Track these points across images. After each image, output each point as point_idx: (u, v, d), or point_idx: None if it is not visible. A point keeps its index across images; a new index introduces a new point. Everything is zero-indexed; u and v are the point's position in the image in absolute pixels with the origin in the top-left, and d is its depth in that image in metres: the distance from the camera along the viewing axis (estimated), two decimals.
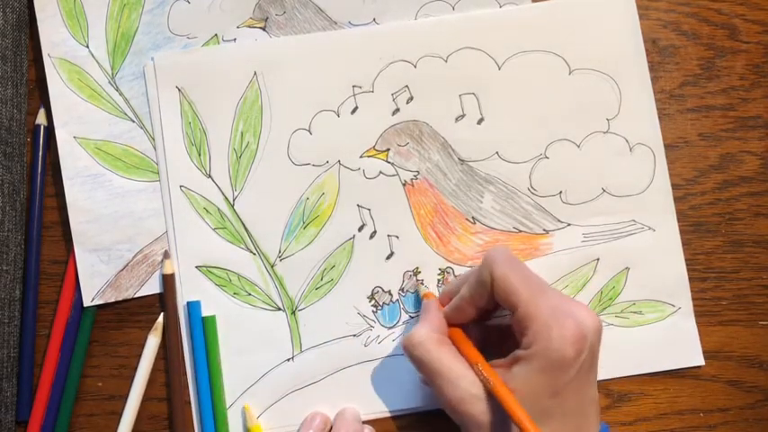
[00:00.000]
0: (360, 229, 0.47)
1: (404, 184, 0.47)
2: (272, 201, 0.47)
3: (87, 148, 0.47)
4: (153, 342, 0.45)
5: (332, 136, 0.47)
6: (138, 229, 0.46)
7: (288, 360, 0.46)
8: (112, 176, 0.47)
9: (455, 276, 0.46)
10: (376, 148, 0.47)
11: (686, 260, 0.47)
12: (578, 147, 0.47)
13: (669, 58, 0.48)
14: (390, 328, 0.46)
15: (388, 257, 0.46)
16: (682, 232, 0.47)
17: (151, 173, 0.47)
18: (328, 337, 0.46)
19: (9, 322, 0.45)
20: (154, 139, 0.47)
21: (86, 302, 0.46)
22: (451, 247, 0.47)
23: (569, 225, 0.47)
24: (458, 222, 0.47)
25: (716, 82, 0.48)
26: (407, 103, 0.47)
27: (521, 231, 0.47)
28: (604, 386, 0.46)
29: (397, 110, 0.47)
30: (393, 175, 0.47)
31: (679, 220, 0.47)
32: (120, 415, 0.45)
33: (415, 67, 0.47)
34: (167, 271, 0.46)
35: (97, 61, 0.47)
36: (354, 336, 0.46)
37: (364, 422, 0.45)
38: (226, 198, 0.47)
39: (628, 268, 0.47)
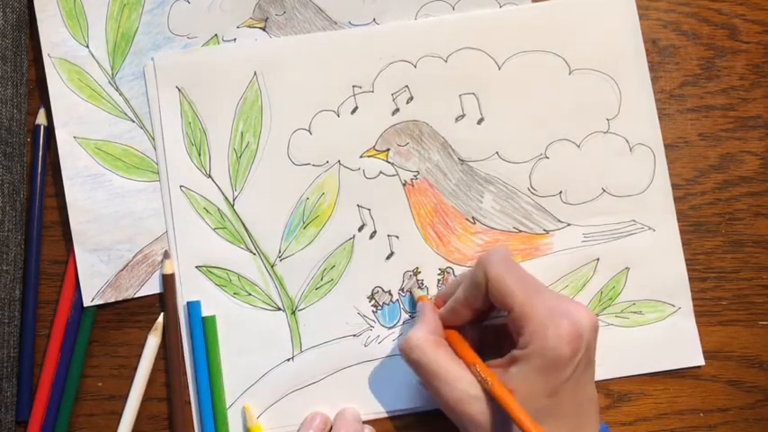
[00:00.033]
0: (360, 229, 0.47)
1: (404, 184, 0.47)
2: (272, 201, 0.47)
3: (87, 148, 0.47)
4: (153, 342, 0.45)
5: (332, 136, 0.47)
6: (138, 229, 0.46)
7: (288, 360, 0.46)
8: (112, 176, 0.47)
9: (455, 276, 0.46)
10: (376, 148, 0.47)
11: (686, 260, 0.47)
12: (578, 147, 0.47)
13: (669, 58, 0.48)
14: (390, 328, 0.46)
15: (388, 257, 0.46)
16: (682, 232, 0.47)
17: (151, 173, 0.47)
18: (328, 337, 0.46)
19: (9, 322, 0.45)
20: (154, 139, 0.47)
21: (86, 302, 0.46)
22: (451, 247, 0.47)
23: (569, 225, 0.47)
24: (458, 222, 0.47)
25: (716, 82, 0.48)
26: (407, 103, 0.47)
27: (521, 231, 0.47)
28: (604, 386, 0.46)
29: (397, 110, 0.47)
30: (393, 175, 0.47)
31: (679, 220, 0.47)
32: (120, 415, 0.45)
33: (415, 67, 0.47)
34: (167, 271, 0.46)
35: (97, 61, 0.47)
36: (354, 336, 0.46)
37: (364, 422, 0.45)
38: (226, 198, 0.47)
39: (628, 268, 0.47)
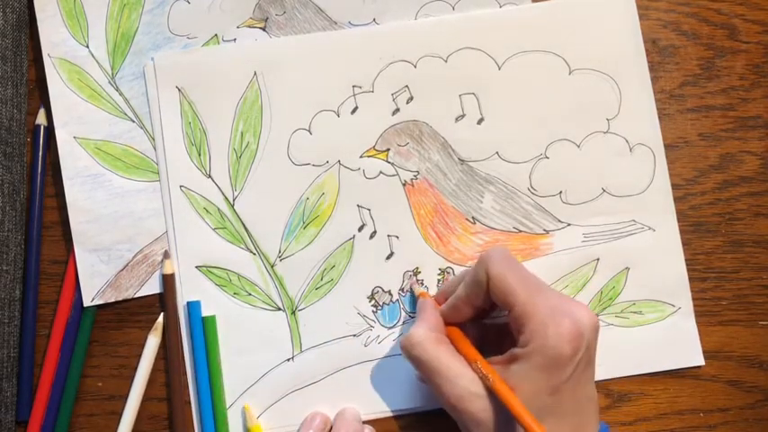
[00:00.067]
0: (360, 229, 0.47)
1: (404, 184, 0.47)
2: (272, 201, 0.47)
3: (87, 148, 0.47)
4: (153, 342, 0.45)
5: (332, 136, 0.47)
6: (138, 229, 0.46)
7: (288, 360, 0.46)
8: (112, 176, 0.47)
9: (452, 276, 0.46)
10: (376, 148, 0.47)
11: (686, 260, 0.47)
12: (578, 147, 0.47)
13: (669, 58, 0.48)
14: (390, 328, 0.46)
15: (388, 257, 0.46)
16: (682, 232, 0.47)
17: (151, 173, 0.47)
18: (328, 337, 0.46)
19: (9, 322, 0.45)
20: (154, 139, 0.47)
21: (86, 302, 0.46)
22: (451, 247, 0.47)
23: (569, 225, 0.47)
24: (458, 222, 0.47)
25: (716, 82, 0.48)
26: (407, 103, 0.47)
27: (521, 231, 0.47)
28: (604, 386, 0.46)
29: (397, 110, 0.47)
30: (393, 175, 0.47)
31: (679, 220, 0.47)
32: (120, 415, 0.45)
33: (415, 67, 0.47)
34: (167, 271, 0.46)
35: (97, 61, 0.47)
36: (354, 336, 0.46)
37: (364, 422, 0.45)
38: (226, 198, 0.47)
39: (628, 268, 0.47)
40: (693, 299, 0.47)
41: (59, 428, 0.45)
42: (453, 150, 0.47)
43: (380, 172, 0.47)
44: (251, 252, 0.46)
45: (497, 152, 0.47)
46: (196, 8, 0.48)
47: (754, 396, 0.47)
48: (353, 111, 0.47)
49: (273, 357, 0.46)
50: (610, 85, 0.47)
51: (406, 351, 0.41)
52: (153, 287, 0.46)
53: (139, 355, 0.45)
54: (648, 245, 0.47)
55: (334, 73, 0.47)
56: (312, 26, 0.48)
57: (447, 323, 0.42)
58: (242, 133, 0.47)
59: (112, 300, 0.46)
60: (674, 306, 0.47)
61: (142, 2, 0.48)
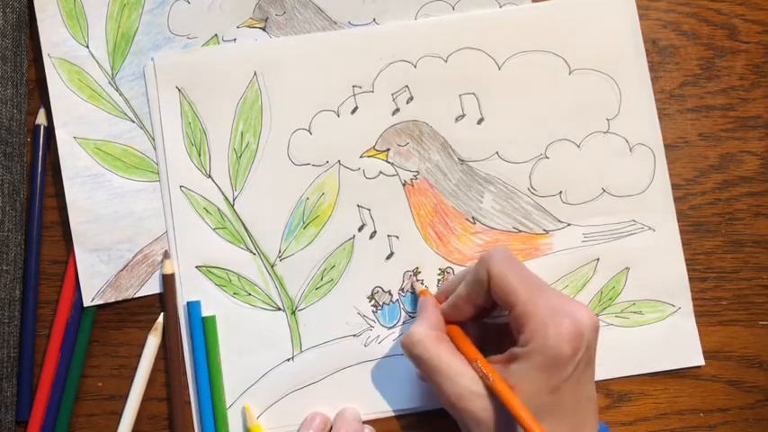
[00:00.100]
0: (360, 229, 0.47)
1: (404, 184, 0.47)
2: (272, 201, 0.47)
3: (87, 148, 0.47)
4: (153, 342, 0.45)
5: (332, 136, 0.47)
6: (138, 229, 0.46)
7: (288, 360, 0.46)
8: (112, 176, 0.47)
9: (453, 275, 0.46)
10: (376, 148, 0.47)
11: (686, 260, 0.47)
12: (578, 147, 0.47)
13: (669, 58, 0.48)
14: (390, 328, 0.46)
15: (388, 257, 0.46)
16: (682, 232, 0.47)
17: (151, 173, 0.47)
18: (328, 337, 0.46)
19: (9, 322, 0.45)
20: (154, 139, 0.47)
21: (86, 302, 0.46)
22: (451, 247, 0.47)
23: (569, 225, 0.47)
24: (458, 222, 0.47)
25: (716, 82, 0.48)
26: (407, 103, 0.47)
27: (521, 231, 0.47)
28: (604, 386, 0.46)
29: (397, 110, 0.47)
30: (393, 175, 0.47)
31: (679, 220, 0.47)
32: (120, 415, 0.45)
33: (415, 67, 0.47)
34: (167, 271, 0.46)
35: (97, 61, 0.47)
36: (354, 336, 0.46)
37: (364, 422, 0.45)
38: (226, 198, 0.47)
39: (628, 268, 0.47)
40: (693, 299, 0.47)
41: (59, 428, 0.45)
42: (453, 150, 0.47)
43: (380, 172, 0.47)
44: (251, 252, 0.46)
45: (497, 152, 0.47)
46: (196, 8, 0.48)
47: (754, 396, 0.47)
48: (353, 111, 0.47)
49: (273, 357, 0.46)
50: (610, 85, 0.47)
51: (407, 349, 0.41)
52: (153, 287, 0.46)
53: (139, 355, 0.45)
54: (648, 245, 0.47)
55: (334, 73, 0.47)
56: (312, 26, 0.48)
57: (448, 322, 0.42)
58: (242, 133, 0.47)
59: (112, 300, 0.46)
60: (674, 306, 0.47)
61: (142, 2, 0.48)
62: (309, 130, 0.47)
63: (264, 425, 0.45)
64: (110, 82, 0.47)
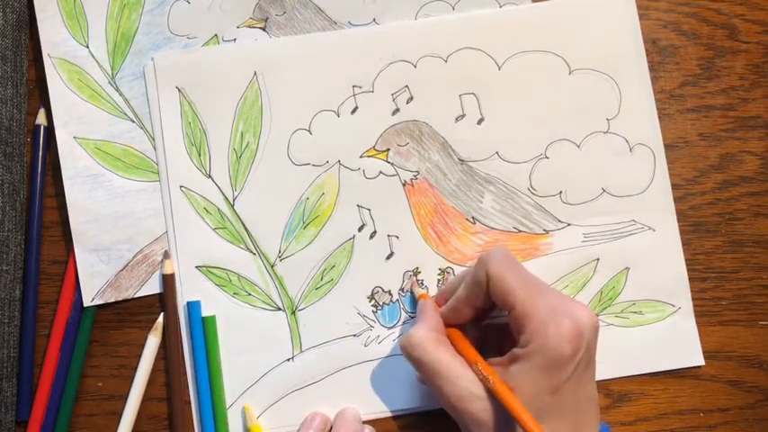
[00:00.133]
0: (360, 229, 0.47)
1: (404, 184, 0.47)
2: (272, 201, 0.47)
3: (87, 148, 0.47)
4: (153, 342, 0.45)
5: (332, 136, 0.47)
6: (138, 229, 0.46)
7: (288, 360, 0.46)
8: (112, 176, 0.47)
9: (452, 278, 0.46)
10: (376, 148, 0.47)
11: (686, 260, 0.47)
12: (578, 147, 0.47)
13: (669, 58, 0.48)
14: (390, 328, 0.46)
15: (388, 257, 0.46)
16: (682, 232, 0.47)
17: (151, 173, 0.47)
18: (328, 337, 0.46)
19: (9, 322, 0.45)
20: (154, 139, 0.47)
21: (86, 302, 0.46)
22: (451, 247, 0.47)
23: (569, 225, 0.47)
24: (458, 222, 0.47)
25: (716, 82, 0.48)
26: (407, 103, 0.47)
27: (521, 231, 0.47)
28: (604, 386, 0.46)
29: (397, 110, 0.47)
30: (393, 175, 0.47)
31: (679, 220, 0.47)
32: (120, 415, 0.45)
33: (415, 67, 0.47)
34: (167, 271, 0.46)
35: (97, 61, 0.47)
36: (354, 336, 0.46)
37: (364, 422, 0.45)
38: (226, 198, 0.47)
39: (628, 268, 0.47)
40: (693, 299, 0.47)
41: (59, 428, 0.45)
42: (453, 150, 0.47)
43: (380, 172, 0.47)
44: (251, 252, 0.46)
45: (497, 152, 0.47)
46: (196, 8, 0.48)
47: (754, 396, 0.47)
48: (353, 111, 0.47)
49: (273, 357, 0.46)
50: (610, 85, 0.47)
51: (407, 352, 0.40)
52: (153, 287, 0.46)
53: (139, 355, 0.45)
54: (648, 245, 0.47)
55: (334, 73, 0.47)
56: (312, 26, 0.48)
57: (447, 324, 0.42)
58: (242, 133, 0.47)
59: (112, 300, 0.46)
60: (674, 306, 0.47)
61: (142, 2, 0.48)
62: (309, 130, 0.47)
63: (264, 425, 0.45)
64: (110, 82, 0.47)
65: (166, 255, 0.46)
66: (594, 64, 0.47)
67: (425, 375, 0.40)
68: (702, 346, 0.46)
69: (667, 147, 0.47)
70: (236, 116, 0.47)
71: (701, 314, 0.47)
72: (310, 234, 0.46)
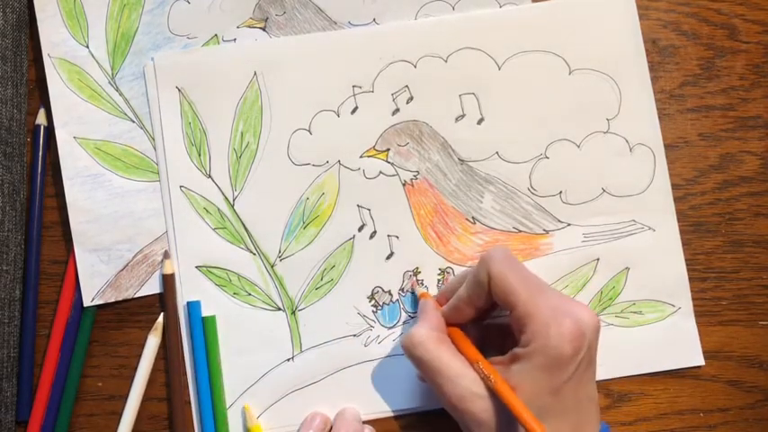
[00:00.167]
0: (360, 229, 0.47)
1: (404, 184, 0.47)
2: (272, 201, 0.47)
3: (87, 148, 0.47)
4: (153, 342, 0.45)
5: (332, 136, 0.47)
6: (138, 229, 0.46)
7: (288, 360, 0.46)
8: (112, 176, 0.47)
9: (453, 277, 0.46)
10: (376, 148, 0.47)
11: (686, 260, 0.47)
12: (578, 147, 0.47)
13: (669, 58, 0.48)
14: (390, 328, 0.46)
15: (388, 257, 0.46)
16: (682, 232, 0.47)
17: (151, 173, 0.47)
18: (328, 337, 0.46)
19: (9, 322, 0.45)
20: (154, 139, 0.47)
21: (86, 302, 0.46)
22: (451, 247, 0.47)
23: (569, 225, 0.47)
24: (458, 222, 0.47)
25: (716, 82, 0.48)
26: (407, 103, 0.47)
27: (521, 231, 0.47)
28: (604, 386, 0.46)
29: (397, 110, 0.47)
30: (393, 175, 0.47)
31: (679, 220, 0.47)
32: (120, 415, 0.45)
33: (415, 67, 0.47)
34: (167, 271, 0.46)
35: (97, 61, 0.47)
36: (354, 336, 0.46)
37: (364, 422, 0.45)
38: (226, 198, 0.47)
39: (628, 268, 0.47)
40: (693, 299, 0.47)
41: (59, 428, 0.45)
42: (453, 150, 0.47)
43: (380, 172, 0.47)
44: (251, 252, 0.46)
45: (497, 152, 0.47)
46: (196, 8, 0.48)
47: (754, 396, 0.47)
48: (353, 111, 0.47)
49: (273, 357, 0.46)
50: (610, 85, 0.47)
51: (408, 351, 0.41)
52: (153, 287, 0.46)
53: (139, 355, 0.45)
54: (648, 245, 0.47)
55: (334, 73, 0.47)
56: (312, 26, 0.48)
57: (449, 324, 0.42)
58: (242, 133, 0.47)
59: (112, 300, 0.46)
60: (674, 306, 0.47)
61: (142, 2, 0.48)
62: (309, 130, 0.47)
63: (264, 425, 0.45)
64: (110, 82, 0.47)
65: (166, 255, 0.46)
66: (594, 64, 0.47)
67: (426, 374, 0.40)
68: (702, 346, 0.46)
69: (667, 147, 0.47)
70: (236, 116, 0.47)
71: (700, 314, 0.47)
72: (310, 234, 0.46)
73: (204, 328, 0.45)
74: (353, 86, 0.47)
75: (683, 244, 0.47)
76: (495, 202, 0.47)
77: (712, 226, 0.47)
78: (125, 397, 0.45)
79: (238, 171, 0.47)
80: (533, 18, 0.47)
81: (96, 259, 0.46)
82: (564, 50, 0.47)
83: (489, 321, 0.44)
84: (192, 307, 0.46)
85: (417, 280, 0.46)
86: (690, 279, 0.47)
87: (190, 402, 0.46)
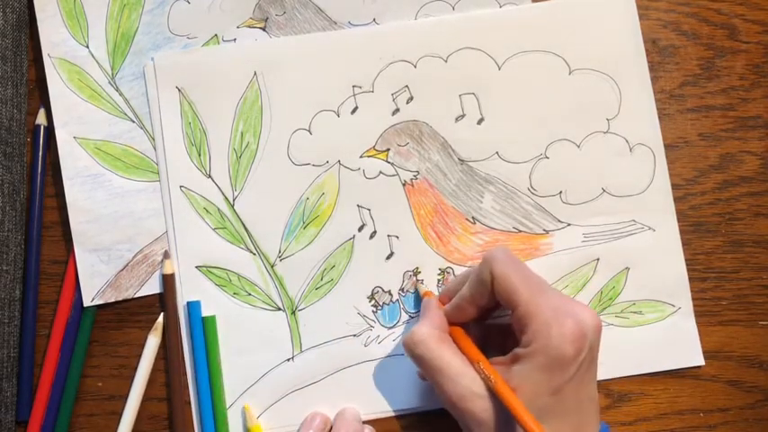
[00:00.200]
0: (360, 229, 0.47)
1: (404, 184, 0.47)
2: (272, 201, 0.47)
3: (87, 148, 0.47)
4: (153, 342, 0.45)
5: (332, 136, 0.47)
6: (138, 229, 0.46)
7: (288, 360, 0.46)
8: (112, 176, 0.47)
9: (455, 276, 0.46)
10: (376, 148, 0.47)
11: (686, 260, 0.47)
12: (578, 147, 0.47)
13: (669, 58, 0.48)
14: (390, 328, 0.46)
15: (388, 257, 0.46)
16: (682, 232, 0.47)
17: (151, 173, 0.47)
18: (328, 337, 0.46)
19: (9, 322, 0.45)
20: (154, 139, 0.47)
21: (86, 302, 0.46)
22: (451, 247, 0.47)
23: (569, 225, 0.47)
24: (458, 222, 0.47)
25: (716, 82, 0.48)
26: (407, 103, 0.47)
27: (521, 231, 0.47)
28: (604, 386, 0.46)
29: (397, 110, 0.47)
30: (393, 175, 0.47)
31: (679, 220, 0.47)
32: (120, 415, 0.45)
33: (415, 67, 0.47)
34: (167, 271, 0.46)
35: (97, 61, 0.47)
36: (354, 336, 0.46)
37: (364, 422, 0.45)
38: (226, 198, 0.47)
39: (628, 268, 0.47)
40: (693, 299, 0.47)
41: (59, 428, 0.45)
42: (453, 150, 0.47)
43: (380, 172, 0.47)
44: (251, 252, 0.46)
45: (497, 152, 0.47)
46: (196, 8, 0.48)
47: (754, 396, 0.47)
48: (353, 111, 0.47)
49: (273, 357, 0.46)
50: (610, 85, 0.47)
51: (409, 349, 0.41)
52: (153, 287, 0.46)
53: (139, 355, 0.45)
54: (648, 245, 0.47)
55: (334, 73, 0.47)
56: (312, 26, 0.48)
57: (450, 323, 0.42)
58: (242, 133, 0.47)
59: (112, 300, 0.46)
60: (674, 306, 0.47)
61: (142, 2, 0.48)
62: (309, 130, 0.47)
63: (264, 425, 0.45)
64: (110, 82, 0.47)
65: (166, 255, 0.46)
66: (594, 64, 0.47)
67: (427, 373, 0.40)
68: (702, 346, 0.46)
69: (667, 147, 0.47)
70: (236, 116, 0.47)
71: (700, 314, 0.47)
72: (310, 234, 0.46)
73: (204, 328, 0.45)
74: (353, 86, 0.47)
75: (683, 244, 0.47)
76: (495, 202, 0.47)
77: (712, 226, 0.47)
78: (125, 397, 0.45)
79: (238, 171, 0.47)
80: (533, 18, 0.47)
81: (96, 259, 0.46)
82: (564, 50, 0.47)
83: (491, 321, 0.44)
84: (192, 307, 0.46)
85: (417, 280, 0.46)
86: (690, 279, 0.47)
87: (190, 402, 0.46)
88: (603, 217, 0.47)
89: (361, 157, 0.47)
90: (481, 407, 0.37)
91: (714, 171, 0.48)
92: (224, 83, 0.47)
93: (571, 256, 0.47)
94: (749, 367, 0.47)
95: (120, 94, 0.47)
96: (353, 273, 0.46)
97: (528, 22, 0.47)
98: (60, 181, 0.46)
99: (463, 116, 0.47)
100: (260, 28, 0.48)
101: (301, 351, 0.46)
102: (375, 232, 0.47)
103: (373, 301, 0.46)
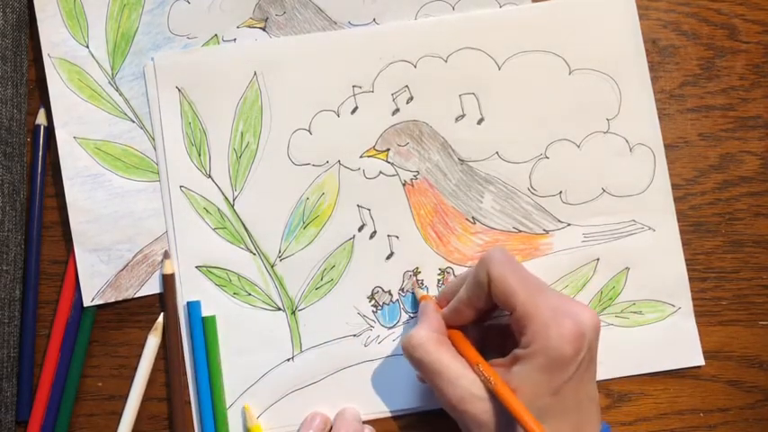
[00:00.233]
0: (360, 229, 0.47)
1: (404, 184, 0.47)
2: (272, 201, 0.47)
3: (87, 148, 0.47)
4: (153, 342, 0.45)
5: (332, 136, 0.47)
6: (138, 229, 0.46)
7: (288, 360, 0.46)
8: (112, 176, 0.47)
9: (455, 276, 0.46)
10: (376, 148, 0.47)
11: (686, 260, 0.47)
12: (578, 147, 0.47)
13: (669, 58, 0.48)
14: (390, 328, 0.46)
15: (388, 257, 0.46)
16: (682, 232, 0.47)
17: (151, 173, 0.47)
18: (328, 337, 0.46)
19: (9, 322, 0.45)
20: (154, 139, 0.47)
21: (86, 302, 0.46)
22: (451, 247, 0.47)
23: (569, 225, 0.47)
24: (458, 222, 0.47)
25: (716, 82, 0.48)
26: (407, 103, 0.47)
27: (521, 231, 0.47)
28: (604, 386, 0.46)
29: (397, 110, 0.47)
30: (393, 175, 0.47)
31: (679, 220, 0.47)
32: (120, 415, 0.45)
33: (415, 67, 0.47)
34: (167, 271, 0.46)
35: (97, 61, 0.47)
36: (354, 336, 0.46)
37: (364, 422, 0.45)
38: (226, 198, 0.47)
39: (628, 268, 0.47)
40: (693, 299, 0.47)
41: (59, 428, 0.45)
42: (453, 150, 0.47)
43: (380, 172, 0.47)
44: (251, 252, 0.46)
45: (497, 152, 0.47)
46: (196, 8, 0.48)
47: (754, 396, 0.47)
48: (353, 111, 0.47)
49: (273, 357, 0.46)
50: (610, 85, 0.47)
51: (408, 352, 0.41)
52: (153, 287, 0.46)
53: (139, 355, 0.45)
54: (648, 245, 0.47)
55: (334, 73, 0.47)
56: (312, 26, 0.48)
57: (449, 326, 0.42)
58: (242, 133, 0.47)
59: (112, 300, 0.46)
60: (674, 306, 0.47)
61: (142, 2, 0.48)
62: (309, 130, 0.47)
63: (264, 425, 0.45)
64: (110, 82, 0.47)
65: (166, 255, 0.46)
66: (594, 64, 0.47)
67: (426, 376, 0.40)
68: (702, 346, 0.46)
69: (667, 147, 0.47)
70: (236, 116, 0.47)
71: (700, 314, 0.47)
72: (310, 234, 0.46)
73: (204, 328, 0.45)
74: (353, 86, 0.47)
75: (683, 244, 0.47)
76: (495, 202, 0.47)
77: (712, 226, 0.47)
78: (125, 397, 0.45)
79: (238, 171, 0.47)
80: (533, 18, 0.47)
81: (96, 259, 0.46)
82: (564, 50, 0.47)
83: (490, 323, 0.44)
84: (192, 307, 0.46)
85: (417, 280, 0.46)
86: (690, 279, 0.47)
87: (190, 402, 0.46)
88: (603, 217, 0.47)
89: (361, 157, 0.47)
90: (481, 409, 0.37)
91: (714, 171, 0.48)
92: (224, 83, 0.47)
93: (571, 256, 0.47)
94: (749, 367, 0.47)
95: (120, 94, 0.47)
96: (353, 273, 0.46)
97: (528, 22, 0.47)
98: (60, 181, 0.46)
99: (463, 116, 0.47)
100: (260, 28, 0.48)
101: (301, 351, 0.46)
102: (375, 232, 0.47)
103: (373, 301, 0.46)
